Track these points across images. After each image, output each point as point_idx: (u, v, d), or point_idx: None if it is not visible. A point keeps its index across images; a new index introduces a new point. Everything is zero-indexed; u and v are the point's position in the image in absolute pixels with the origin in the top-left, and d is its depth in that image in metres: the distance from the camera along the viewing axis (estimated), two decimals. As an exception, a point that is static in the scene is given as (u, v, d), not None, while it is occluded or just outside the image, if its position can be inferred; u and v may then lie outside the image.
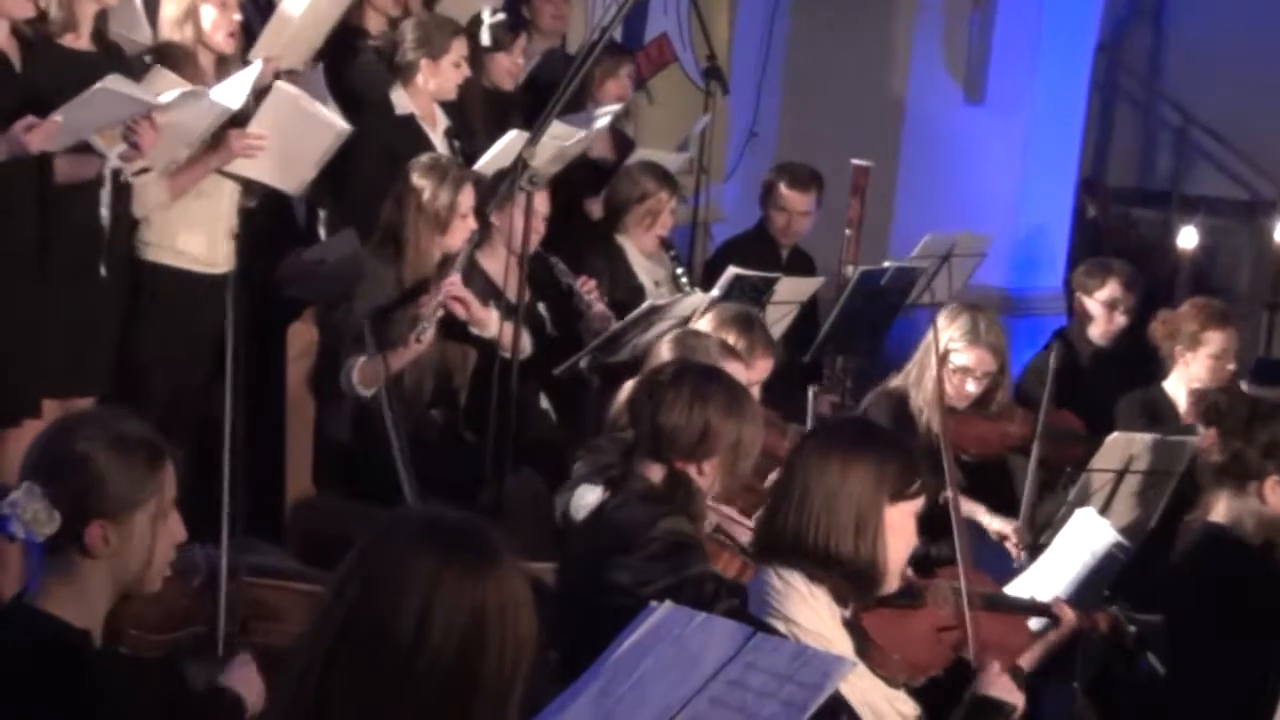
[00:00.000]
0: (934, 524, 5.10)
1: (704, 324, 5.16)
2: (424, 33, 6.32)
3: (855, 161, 7.30)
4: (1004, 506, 5.66)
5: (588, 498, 4.50)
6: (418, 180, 5.64)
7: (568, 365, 5.82)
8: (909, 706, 3.20)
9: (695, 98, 8.67)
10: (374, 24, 6.64)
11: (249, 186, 5.73)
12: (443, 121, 6.46)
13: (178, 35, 5.57)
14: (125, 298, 5.49)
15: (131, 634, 3.35)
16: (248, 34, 5.86)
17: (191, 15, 5.56)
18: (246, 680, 3.28)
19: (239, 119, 5.49)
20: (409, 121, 6.33)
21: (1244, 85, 10.50)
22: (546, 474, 5.43)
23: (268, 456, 5.62)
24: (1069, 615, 4.13)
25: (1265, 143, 10.57)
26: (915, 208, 9.17)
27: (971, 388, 5.64)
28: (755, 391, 4.87)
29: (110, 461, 2.90)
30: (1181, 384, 6.03)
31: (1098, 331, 6.81)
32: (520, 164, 5.12)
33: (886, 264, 6.84)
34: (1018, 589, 4.48)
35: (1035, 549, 5.16)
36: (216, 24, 5.59)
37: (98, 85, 4.79)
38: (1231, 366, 6.02)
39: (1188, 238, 8.57)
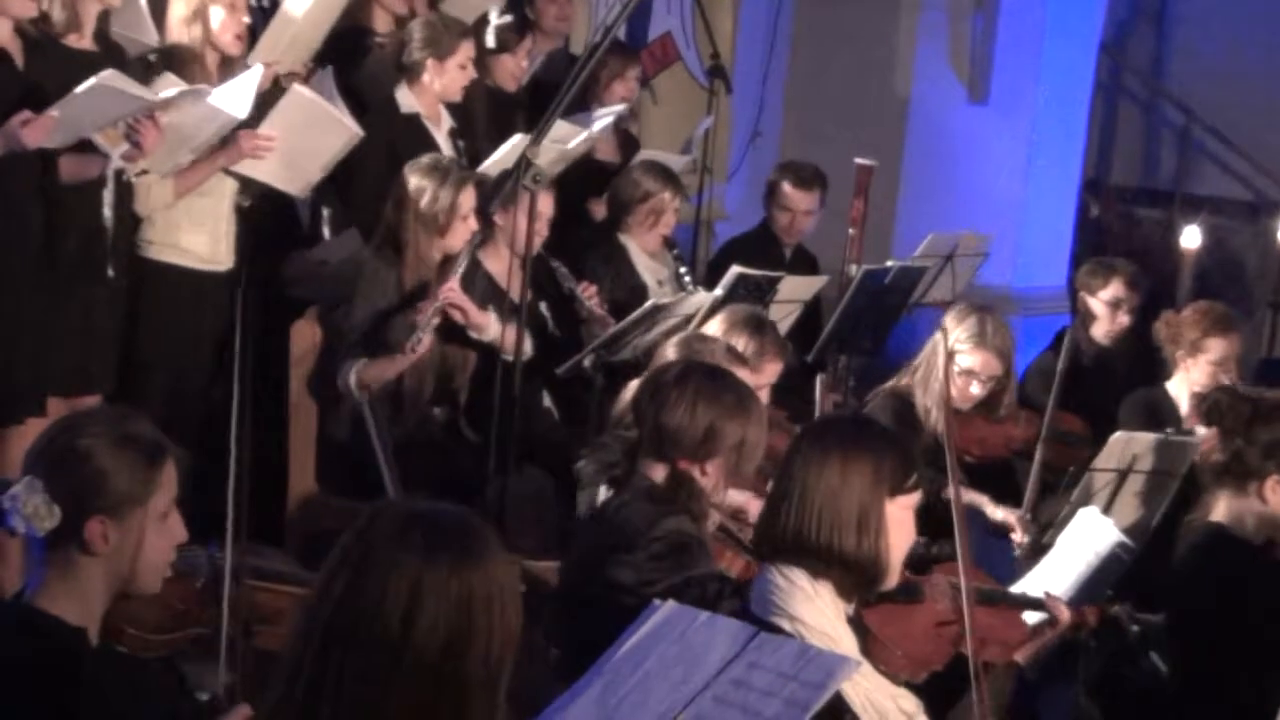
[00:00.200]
0: (934, 522, 5.13)
1: (714, 326, 5.15)
2: (431, 33, 6.32)
3: (858, 161, 7.29)
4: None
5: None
6: (416, 182, 5.63)
7: (571, 364, 5.83)
8: (911, 703, 3.20)
9: (699, 97, 8.67)
10: (381, 23, 6.65)
11: (246, 184, 5.74)
12: (447, 121, 6.46)
13: (186, 35, 5.58)
14: (128, 297, 5.50)
15: (130, 633, 3.35)
16: (250, 37, 5.86)
17: (200, 15, 5.57)
18: None
19: (248, 119, 5.49)
20: (414, 121, 6.33)
21: (1247, 85, 10.49)
22: (550, 473, 5.43)
23: (270, 455, 5.63)
24: (1062, 610, 4.15)
25: (1269, 142, 10.55)
26: (918, 207, 9.17)
27: (976, 390, 5.63)
28: (765, 394, 4.88)
29: (112, 458, 2.90)
30: (1184, 386, 6.03)
31: (1101, 331, 6.80)
32: (524, 163, 5.12)
33: (890, 263, 6.83)
34: (1023, 588, 4.49)
35: (1039, 549, 5.17)
36: (225, 25, 5.59)
37: (94, 80, 4.79)
38: (1231, 373, 6.01)
39: (1191, 237, 8.56)
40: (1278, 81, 10.41)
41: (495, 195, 5.73)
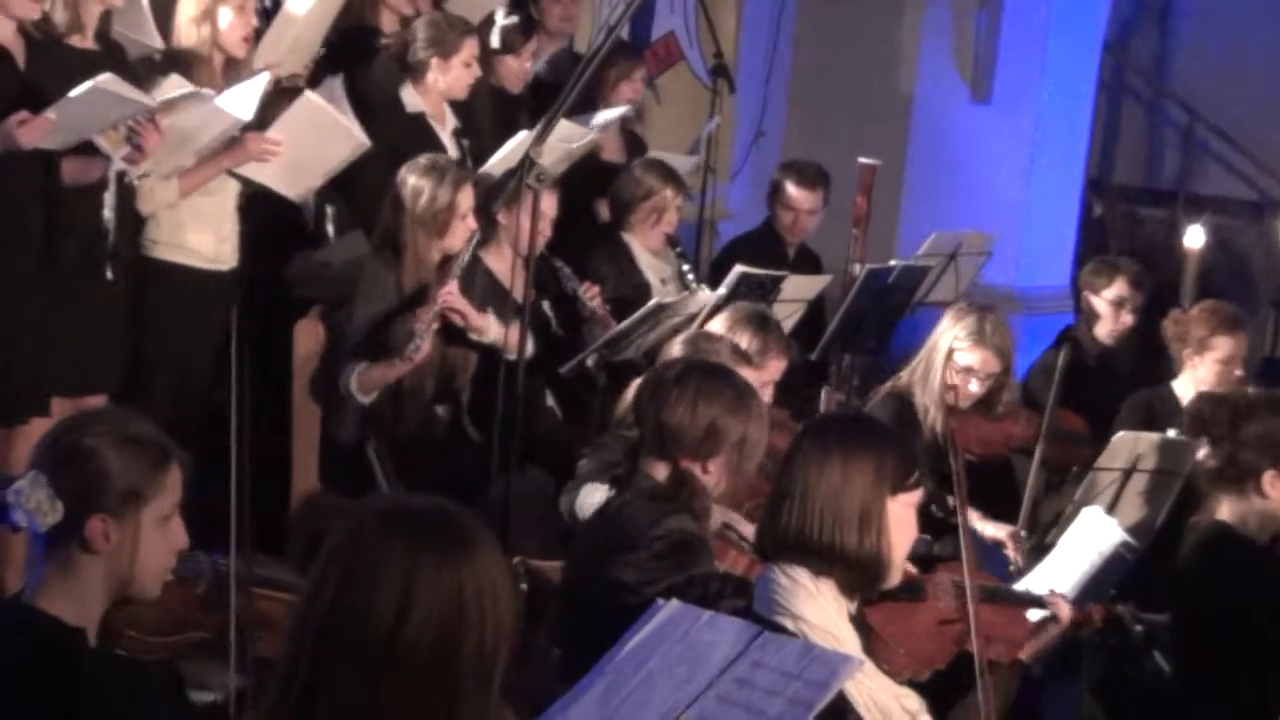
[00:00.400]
0: (935, 523, 5.13)
1: (717, 323, 5.15)
2: (436, 32, 6.32)
3: (862, 160, 7.29)
4: (1006, 507, 5.66)
5: (594, 496, 4.50)
6: (414, 182, 5.62)
7: (574, 364, 5.83)
8: (914, 702, 3.20)
9: (702, 96, 8.66)
10: (388, 22, 6.64)
11: (246, 184, 5.75)
12: (452, 121, 6.46)
13: (194, 35, 5.57)
14: (132, 297, 5.50)
15: (130, 635, 3.35)
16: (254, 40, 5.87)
17: (210, 16, 5.56)
18: None
19: (253, 123, 5.49)
20: (419, 120, 6.33)
21: (1251, 84, 10.49)
22: (553, 472, 5.43)
23: (274, 455, 5.63)
24: (1064, 608, 4.14)
25: (1272, 141, 10.55)
26: (922, 206, 9.17)
27: (975, 388, 5.64)
28: (768, 391, 4.88)
29: (116, 458, 2.90)
30: (1191, 385, 6.03)
31: (1105, 330, 6.80)
32: (527, 162, 5.12)
33: (893, 262, 6.83)
34: (1026, 586, 4.49)
35: (1041, 548, 5.17)
36: (234, 27, 5.59)
37: (91, 83, 4.79)
38: (1239, 373, 6.02)
39: (1194, 237, 8.54)
40: (1282, 81, 10.42)
41: (499, 194, 5.72)
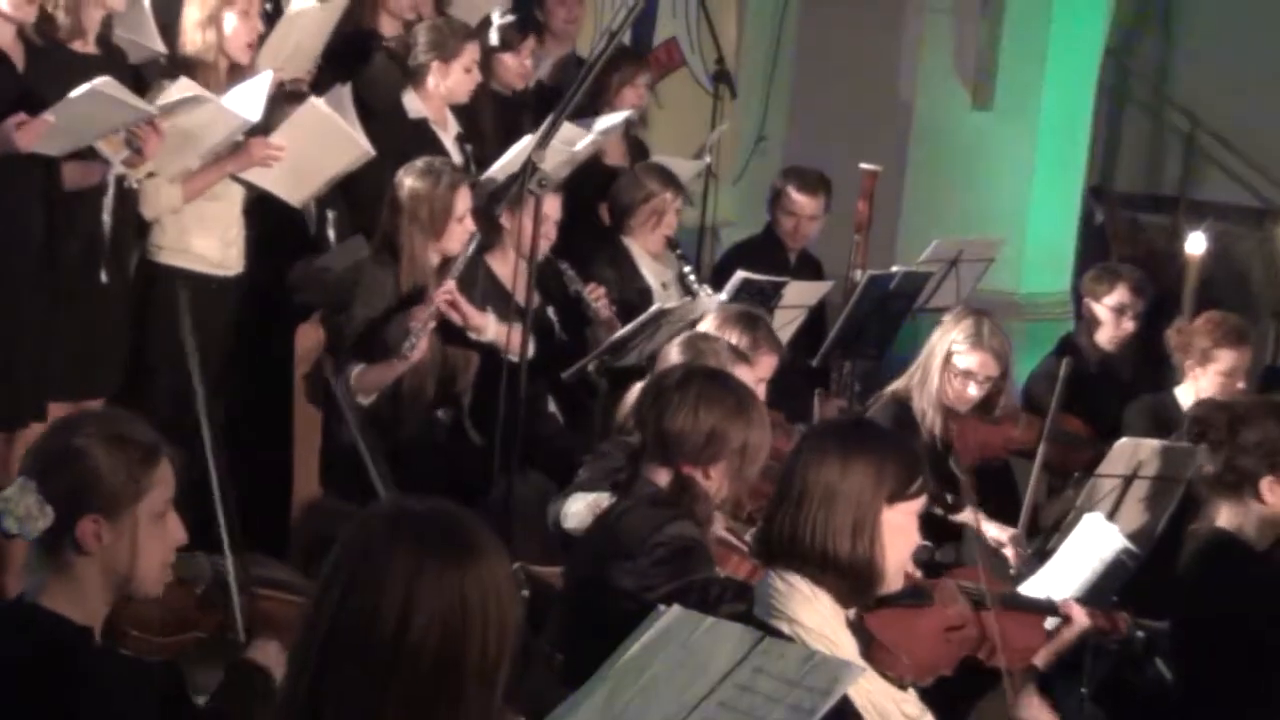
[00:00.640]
0: (938, 529, 5.13)
1: (706, 325, 5.16)
2: (436, 36, 6.33)
3: (863, 166, 7.29)
4: (1006, 510, 5.66)
5: (576, 505, 4.51)
6: (411, 184, 5.63)
7: (576, 369, 5.83)
8: (915, 708, 3.20)
9: (704, 102, 8.67)
10: (388, 28, 6.65)
11: (249, 189, 5.75)
12: (454, 126, 6.47)
13: (199, 40, 5.57)
14: (132, 301, 5.50)
15: (134, 635, 3.35)
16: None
17: (215, 21, 5.57)
18: (268, 653, 3.31)
19: (257, 126, 5.50)
20: (421, 126, 6.33)
21: (1253, 91, 10.48)
22: (555, 477, 5.43)
23: (275, 459, 5.63)
24: (1080, 616, 4.13)
25: (1274, 148, 10.54)
26: (923, 212, 9.16)
27: (973, 391, 5.65)
28: (761, 389, 4.88)
29: (104, 458, 2.91)
30: (1192, 394, 6.03)
31: (1106, 337, 6.80)
32: (529, 167, 5.12)
33: (895, 268, 6.84)
34: (1027, 592, 4.49)
35: (1042, 554, 5.17)
36: (238, 32, 5.60)
37: (89, 86, 4.78)
38: (1241, 385, 6.02)
39: (1196, 243, 8.54)
40: (1284, 87, 10.41)
41: (502, 198, 5.73)
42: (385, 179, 5.84)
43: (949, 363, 5.63)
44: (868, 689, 3.09)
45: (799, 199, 7.31)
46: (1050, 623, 4.16)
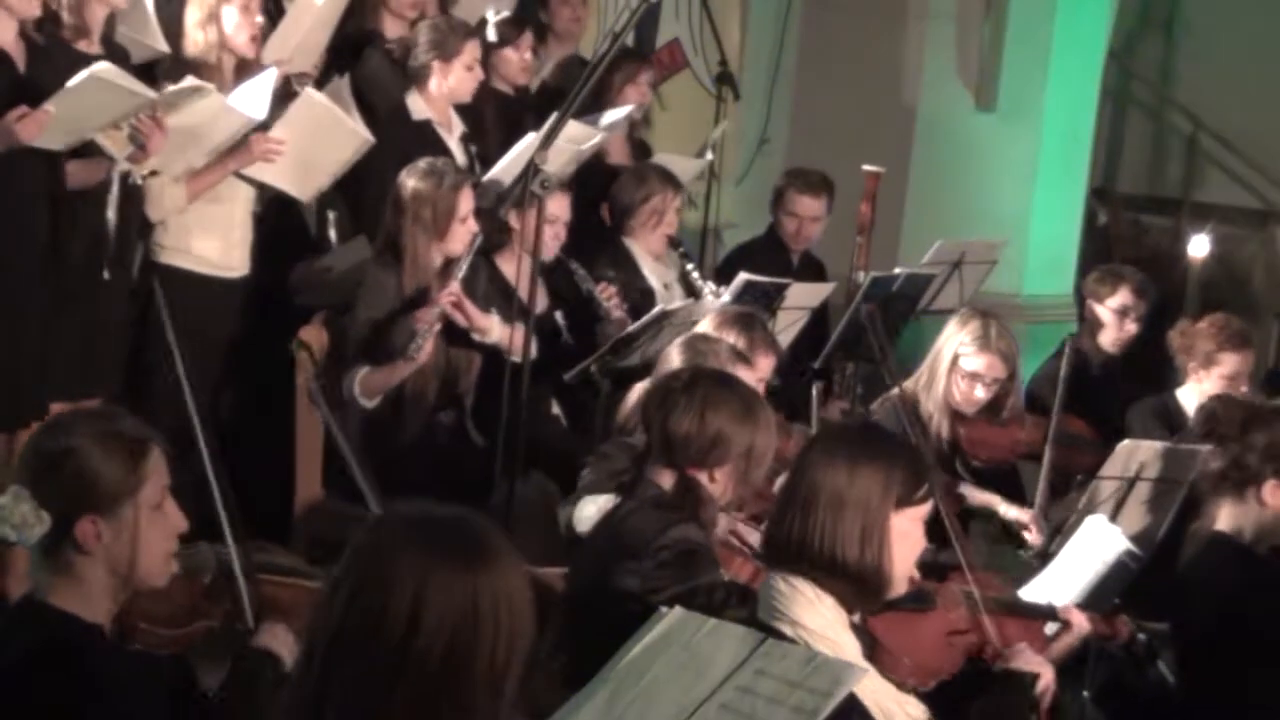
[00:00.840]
0: (941, 532, 5.12)
1: (704, 327, 5.16)
2: (437, 35, 6.33)
3: (866, 167, 7.29)
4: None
5: (588, 509, 4.50)
6: (413, 185, 5.63)
7: (578, 370, 5.82)
8: (918, 710, 3.20)
9: (707, 103, 8.67)
10: (390, 28, 6.64)
11: (260, 191, 5.75)
12: (459, 126, 6.46)
13: (201, 37, 5.57)
14: (134, 300, 5.50)
15: (143, 628, 3.36)
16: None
17: (214, 18, 5.57)
18: (275, 636, 3.31)
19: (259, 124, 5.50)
20: (425, 127, 6.32)
21: (1255, 93, 10.48)
22: (557, 479, 5.43)
23: (278, 460, 5.63)
24: (1081, 621, 4.13)
25: (1276, 150, 10.54)
26: (926, 214, 9.15)
27: (981, 393, 5.65)
28: (760, 389, 4.88)
29: (96, 456, 2.91)
30: (1195, 397, 6.03)
31: (1108, 339, 6.80)
32: (532, 168, 5.12)
33: (897, 270, 6.83)
34: (1029, 595, 4.49)
35: (1045, 556, 5.17)
36: (239, 27, 5.60)
37: (88, 72, 4.77)
38: (1244, 389, 6.02)
39: (1198, 246, 8.57)
40: (1287, 89, 10.41)
41: (507, 199, 5.73)
42: (388, 181, 5.84)
43: (956, 365, 5.62)
44: (872, 690, 3.09)
45: (801, 200, 7.30)
46: (1051, 628, 4.16)
